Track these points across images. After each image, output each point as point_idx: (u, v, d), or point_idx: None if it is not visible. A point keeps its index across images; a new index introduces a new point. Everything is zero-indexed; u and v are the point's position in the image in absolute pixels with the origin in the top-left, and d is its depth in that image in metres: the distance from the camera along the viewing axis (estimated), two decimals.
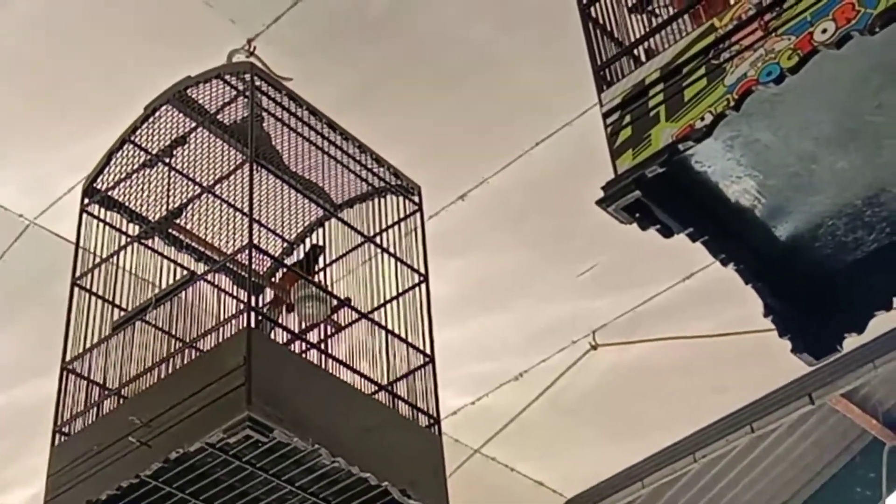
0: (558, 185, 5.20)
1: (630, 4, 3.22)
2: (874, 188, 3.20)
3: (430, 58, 4.70)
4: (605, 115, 3.04)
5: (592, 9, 3.19)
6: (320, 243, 4.31)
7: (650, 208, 3.01)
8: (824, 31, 2.70)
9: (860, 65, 2.83)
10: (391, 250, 4.15)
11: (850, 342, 3.39)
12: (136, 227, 4.04)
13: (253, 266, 3.80)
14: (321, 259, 4.27)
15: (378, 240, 4.16)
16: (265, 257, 4.07)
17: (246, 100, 3.92)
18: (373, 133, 4.34)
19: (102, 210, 4.06)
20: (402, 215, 4.23)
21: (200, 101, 4.01)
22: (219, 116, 4.01)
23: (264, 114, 3.99)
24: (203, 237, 4.07)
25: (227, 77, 3.97)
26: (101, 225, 4.04)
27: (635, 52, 3.15)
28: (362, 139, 4.20)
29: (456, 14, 4.58)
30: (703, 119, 2.85)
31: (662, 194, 3.00)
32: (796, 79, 2.75)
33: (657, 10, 3.29)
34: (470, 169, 5.15)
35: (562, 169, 5.12)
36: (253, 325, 3.54)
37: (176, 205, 4.00)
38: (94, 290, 3.94)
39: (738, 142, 3.05)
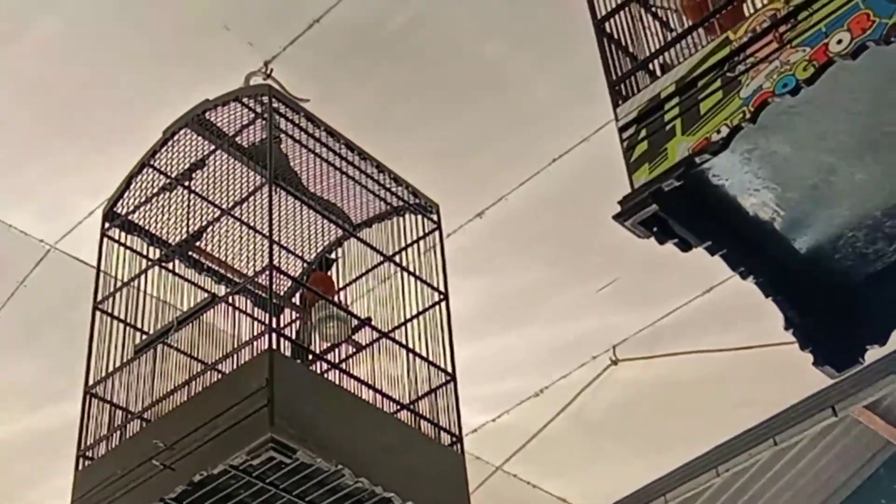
0: (576, 200, 5.20)
1: None
2: (894, 199, 3.19)
3: (445, 76, 4.71)
4: (621, 130, 3.04)
5: (607, 24, 3.20)
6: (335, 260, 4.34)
7: (668, 222, 3.01)
8: (839, 41, 2.70)
9: (877, 75, 2.83)
10: (411, 269, 4.16)
11: (872, 353, 3.37)
12: (157, 251, 4.06)
13: (274, 287, 3.81)
14: (336, 273, 4.29)
15: (397, 259, 4.17)
16: (286, 278, 4.08)
17: (264, 122, 3.93)
18: (390, 152, 4.35)
19: (123, 234, 4.08)
20: (420, 234, 4.24)
21: (219, 124, 4.03)
22: (237, 139, 4.02)
23: (282, 135, 4.00)
24: (223, 259, 4.09)
25: (244, 100, 3.99)
26: (122, 249, 4.06)
27: (650, 66, 3.15)
28: (380, 158, 4.21)
29: (471, 32, 4.59)
30: (719, 132, 2.84)
31: (680, 208, 3.00)
32: (812, 90, 2.74)
33: (670, 23, 3.30)
34: (488, 186, 5.16)
35: (579, 184, 5.12)
36: (275, 346, 3.55)
37: (196, 228, 4.02)
38: (116, 314, 3.95)
39: (756, 154, 3.05)
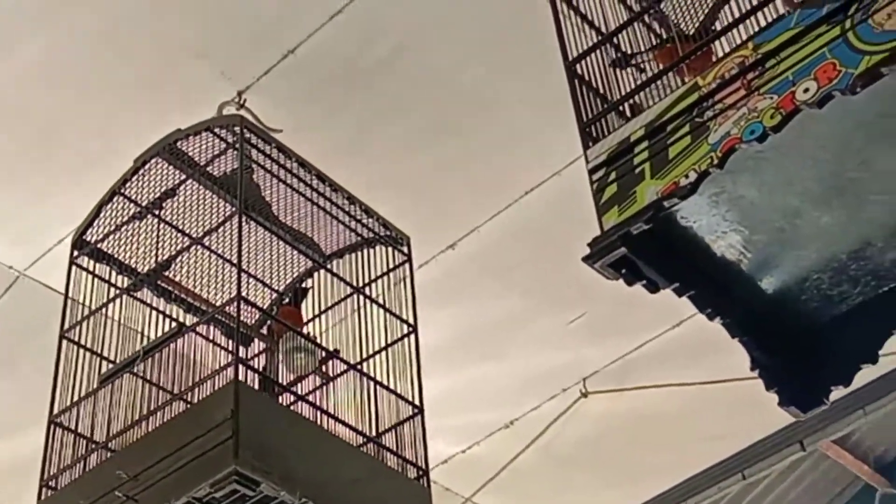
0: (548, 233, 5.21)
1: (612, 60, 3.24)
2: (858, 242, 3.20)
3: (418, 109, 4.72)
4: (591, 172, 3.05)
5: (578, 66, 3.22)
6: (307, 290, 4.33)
7: (636, 264, 3.02)
8: (806, 90, 2.72)
9: (843, 123, 2.84)
10: (380, 301, 4.15)
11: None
12: (126, 279, 4.04)
13: (242, 317, 3.81)
14: (305, 304, 4.28)
15: (367, 290, 4.17)
16: (254, 309, 4.07)
17: (236, 152, 3.93)
18: (362, 183, 4.36)
19: (92, 262, 4.07)
20: (391, 266, 4.24)
21: (190, 154, 4.04)
22: (209, 169, 4.03)
23: (254, 166, 4.00)
24: (192, 289, 4.08)
25: (216, 130, 3.99)
26: (91, 277, 4.04)
27: (621, 107, 3.17)
28: (352, 189, 4.22)
29: (445, 67, 4.61)
30: (687, 176, 2.86)
31: (648, 250, 3.01)
32: (779, 137, 2.76)
33: (642, 65, 3.32)
34: (459, 218, 5.17)
35: (550, 217, 5.13)
36: (241, 377, 3.54)
37: (165, 257, 4.01)
38: (83, 342, 3.93)
39: (723, 198, 3.06)
